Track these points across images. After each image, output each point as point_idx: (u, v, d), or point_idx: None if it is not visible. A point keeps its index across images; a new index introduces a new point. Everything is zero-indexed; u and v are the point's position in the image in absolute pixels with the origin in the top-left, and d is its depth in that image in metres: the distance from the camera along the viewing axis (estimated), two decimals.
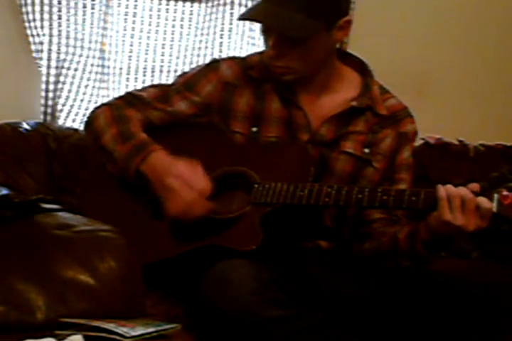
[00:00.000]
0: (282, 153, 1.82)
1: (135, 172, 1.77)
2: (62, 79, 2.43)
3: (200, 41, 2.59)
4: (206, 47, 2.59)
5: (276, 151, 1.83)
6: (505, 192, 1.57)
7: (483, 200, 1.57)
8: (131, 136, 1.82)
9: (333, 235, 1.86)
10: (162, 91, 1.93)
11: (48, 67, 2.41)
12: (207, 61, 2.53)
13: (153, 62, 2.59)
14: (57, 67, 2.41)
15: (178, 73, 2.56)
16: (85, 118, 1.98)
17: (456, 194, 1.58)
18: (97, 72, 2.50)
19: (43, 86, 2.42)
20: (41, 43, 2.39)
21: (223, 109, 1.89)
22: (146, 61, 2.59)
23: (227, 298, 1.54)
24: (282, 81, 1.82)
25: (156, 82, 2.58)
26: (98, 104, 2.49)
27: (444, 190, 1.59)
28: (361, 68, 1.91)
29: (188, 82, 1.93)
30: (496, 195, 1.57)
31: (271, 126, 1.86)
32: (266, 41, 1.79)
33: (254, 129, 1.87)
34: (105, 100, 2.50)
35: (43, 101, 2.43)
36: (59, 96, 2.44)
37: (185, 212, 1.71)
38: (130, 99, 1.94)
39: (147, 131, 1.86)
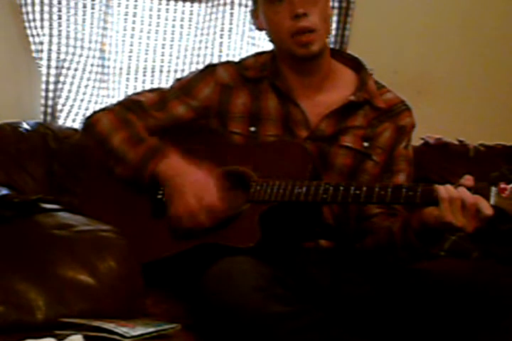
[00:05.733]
0: (280, 152, 1.82)
1: (150, 173, 1.78)
2: (62, 79, 2.43)
3: (200, 41, 2.59)
4: (206, 47, 2.59)
5: (274, 150, 1.83)
6: (503, 185, 1.56)
7: (484, 205, 1.56)
8: (142, 139, 1.83)
9: (334, 233, 1.86)
10: (159, 97, 1.93)
11: (48, 67, 2.41)
12: (207, 61, 2.54)
13: (153, 62, 2.60)
14: (57, 67, 2.41)
15: (178, 73, 2.57)
16: (83, 122, 1.97)
17: (457, 196, 1.57)
18: (97, 72, 2.50)
19: (43, 86, 2.42)
20: (41, 43, 2.39)
21: (221, 111, 1.90)
22: (146, 61, 2.59)
23: (229, 294, 1.54)
24: (309, 54, 1.81)
25: (156, 82, 2.58)
26: (98, 104, 2.50)
27: (445, 191, 1.59)
28: (356, 65, 1.93)
29: (185, 86, 1.94)
30: (493, 188, 1.57)
31: (269, 125, 1.87)
32: (280, 13, 1.79)
33: (253, 129, 1.88)
34: (105, 100, 2.51)
35: (43, 101, 2.43)
36: (59, 96, 2.44)
37: (185, 218, 1.73)
38: (129, 104, 1.93)
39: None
